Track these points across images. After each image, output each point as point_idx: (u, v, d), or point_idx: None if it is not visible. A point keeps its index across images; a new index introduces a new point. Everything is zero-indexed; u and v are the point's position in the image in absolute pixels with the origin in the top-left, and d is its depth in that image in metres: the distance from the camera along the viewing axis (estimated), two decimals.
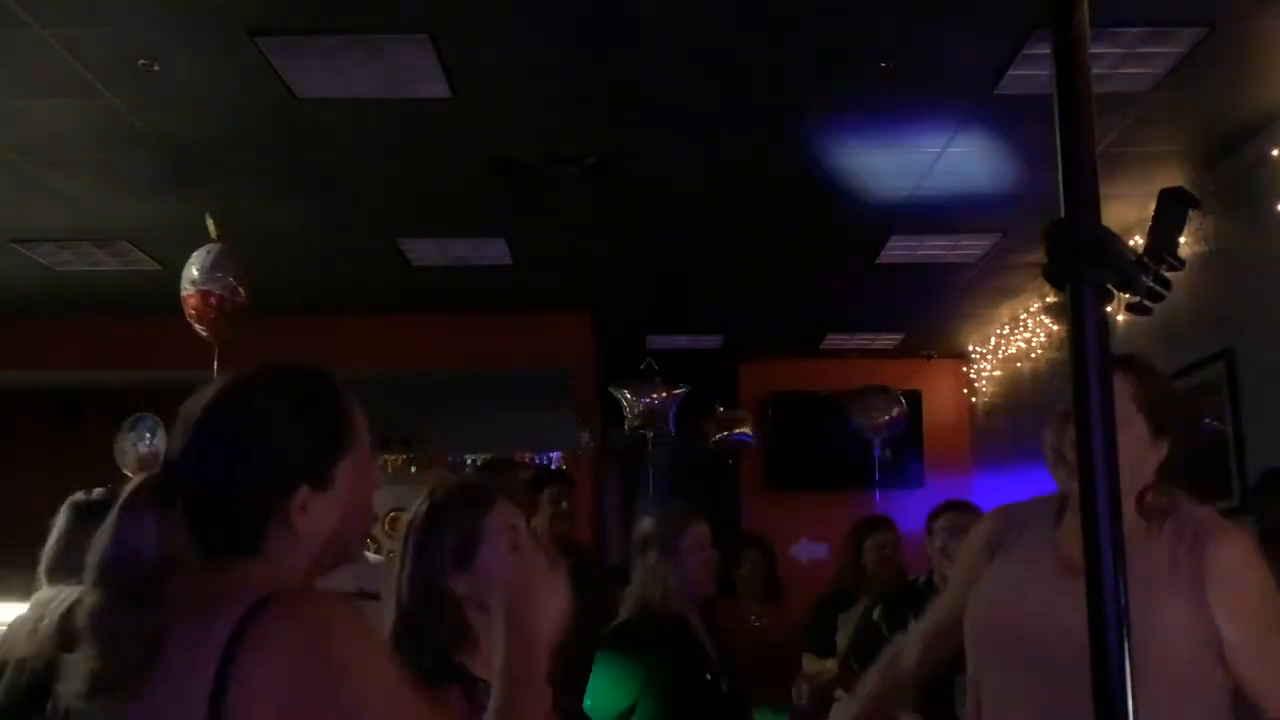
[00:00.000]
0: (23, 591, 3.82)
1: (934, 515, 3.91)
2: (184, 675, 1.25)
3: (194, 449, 1.37)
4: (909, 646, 2.35)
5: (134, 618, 1.27)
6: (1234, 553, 1.97)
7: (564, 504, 4.67)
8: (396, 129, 4.82)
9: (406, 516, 1.98)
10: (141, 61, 4.13)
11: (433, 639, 1.85)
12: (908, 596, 3.94)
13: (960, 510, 3.89)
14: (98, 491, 2.43)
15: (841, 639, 4.28)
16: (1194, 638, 1.93)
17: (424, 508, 1.95)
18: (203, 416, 1.39)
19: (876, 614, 3.96)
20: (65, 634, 1.39)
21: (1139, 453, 1.99)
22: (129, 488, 1.35)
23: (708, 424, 8.22)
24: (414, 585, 1.88)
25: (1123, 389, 2.03)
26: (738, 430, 8.28)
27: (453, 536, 1.89)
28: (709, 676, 3.09)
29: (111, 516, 1.32)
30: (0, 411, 8.51)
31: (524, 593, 1.62)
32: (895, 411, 7.89)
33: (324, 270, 6.79)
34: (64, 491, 2.49)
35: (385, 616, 1.91)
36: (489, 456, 7.46)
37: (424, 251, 6.49)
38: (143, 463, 5.61)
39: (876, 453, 7.81)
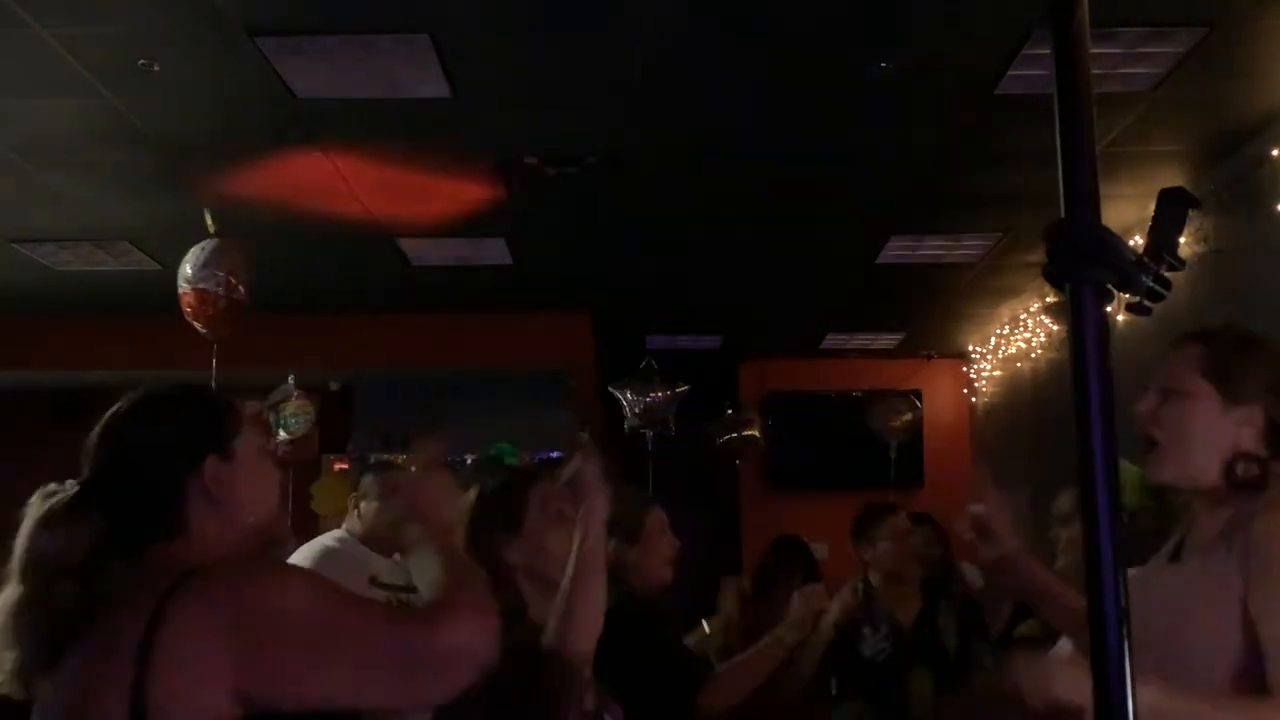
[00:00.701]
0: None
1: (878, 518, 3.93)
2: (105, 660, 1.33)
3: (99, 458, 1.51)
4: None
5: (46, 613, 1.38)
6: (1270, 526, 1.75)
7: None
8: (396, 129, 4.82)
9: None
10: (141, 61, 4.13)
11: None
12: (864, 603, 3.91)
13: (895, 513, 3.94)
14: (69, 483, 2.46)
15: None
16: (1229, 654, 1.73)
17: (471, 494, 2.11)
18: (101, 430, 1.54)
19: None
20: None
21: (1210, 422, 1.88)
22: (49, 504, 1.47)
23: (715, 424, 8.23)
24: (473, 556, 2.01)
25: (1187, 358, 2.00)
26: (745, 432, 8.29)
27: (500, 508, 2.08)
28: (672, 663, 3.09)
29: (26, 527, 1.44)
30: (0, 411, 8.51)
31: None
32: (912, 416, 7.96)
33: (324, 270, 6.79)
34: None
35: None
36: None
37: (424, 251, 6.49)
38: None
39: (893, 454, 7.85)
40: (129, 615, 1.34)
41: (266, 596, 1.37)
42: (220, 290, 4.43)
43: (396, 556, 3.78)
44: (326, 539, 4.00)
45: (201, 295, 4.42)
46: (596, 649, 2.20)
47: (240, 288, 4.48)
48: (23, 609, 1.38)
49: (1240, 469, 1.84)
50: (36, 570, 1.40)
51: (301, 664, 1.34)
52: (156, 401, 1.57)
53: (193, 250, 4.50)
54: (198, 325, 4.46)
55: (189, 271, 4.45)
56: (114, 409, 1.56)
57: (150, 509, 1.48)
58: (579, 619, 1.98)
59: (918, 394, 8.98)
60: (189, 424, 1.54)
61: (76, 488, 1.48)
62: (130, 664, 1.30)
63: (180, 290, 4.47)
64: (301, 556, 3.82)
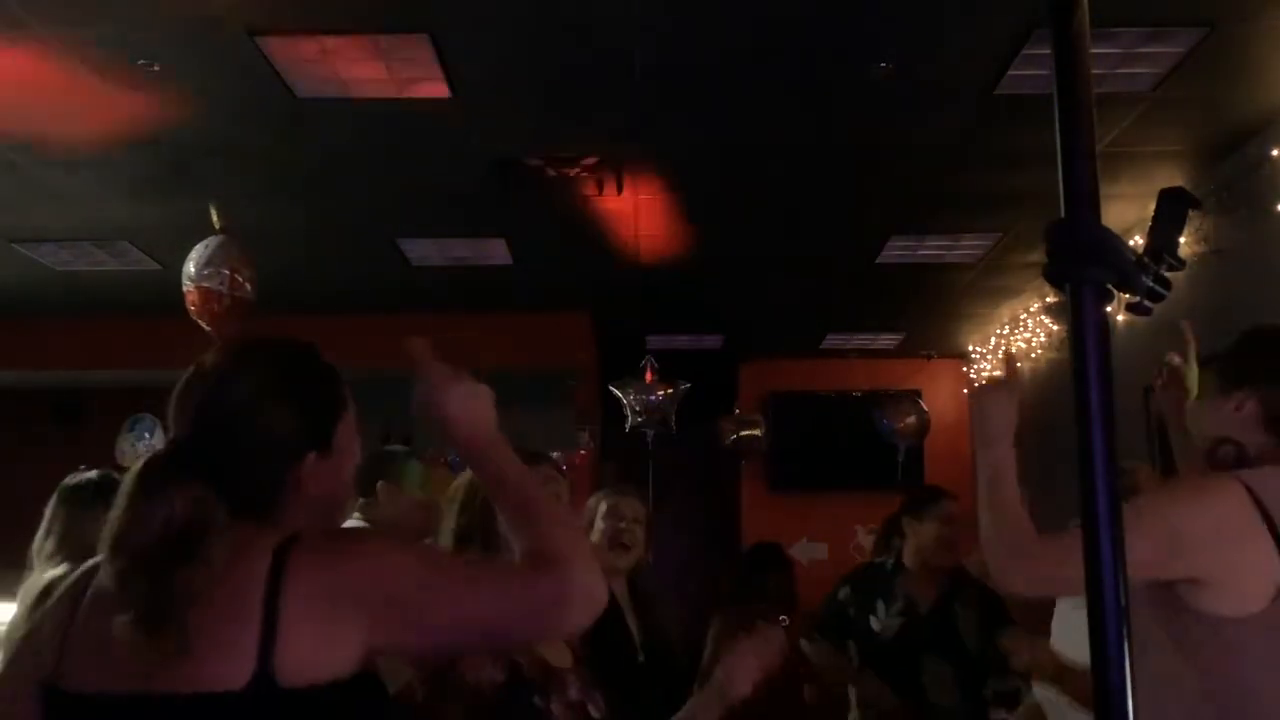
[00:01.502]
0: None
1: (930, 501, 3.97)
2: (225, 626, 1.33)
3: (204, 428, 1.45)
4: None
5: (164, 579, 1.33)
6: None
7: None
8: (396, 129, 4.82)
9: (461, 481, 2.19)
10: (141, 61, 4.13)
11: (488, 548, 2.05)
12: (875, 577, 4.01)
13: (954, 500, 3.96)
14: (94, 472, 2.48)
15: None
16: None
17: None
18: (207, 397, 1.47)
19: (843, 594, 4.03)
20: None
21: (1201, 408, 2.02)
22: (138, 465, 1.42)
23: (722, 424, 8.24)
24: (478, 530, 2.09)
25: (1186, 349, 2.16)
26: (751, 432, 8.30)
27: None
28: (626, 648, 3.08)
29: (129, 489, 1.39)
30: (0, 411, 8.52)
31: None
32: (920, 418, 7.98)
33: (324, 270, 6.79)
34: None
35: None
36: None
37: (424, 251, 6.49)
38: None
39: (900, 457, 7.87)
40: (243, 581, 1.34)
41: (380, 554, 1.40)
42: (224, 288, 4.39)
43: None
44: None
45: (205, 293, 4.39)
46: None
47: (246, 285, 4.45)
48: (132, 577, 1.35)
49: (1220, 451, 1.95)
50: (143, 535, 1.36)
51: (419, 616, 1.38)
52: (280, 379, 1.51)
53: (196, 247, 4.47)
54: (202, 323, 4.44)
55: (192, 269, 4.41)
56: (224, 368, 1.50)
57: (254, 490, 1.45)
58: None
59: (917, 394, 8.99)
60: (307, 414, 1.51)
61: (170, 445, 1.44)
62: (256, 627, 1.32)
63: (184, 288, 4.44)
64: None
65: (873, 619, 3.89)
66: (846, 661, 4.09)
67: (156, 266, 6.45)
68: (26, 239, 6.15)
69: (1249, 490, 1.81)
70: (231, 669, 1.31)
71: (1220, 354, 2.03)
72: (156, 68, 4.17)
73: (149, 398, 6.80)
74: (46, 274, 6.67)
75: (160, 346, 7.44)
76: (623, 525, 3.18)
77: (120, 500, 1.39)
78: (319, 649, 1.34)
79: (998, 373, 3.81)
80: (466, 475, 2.19)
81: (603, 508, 3.23)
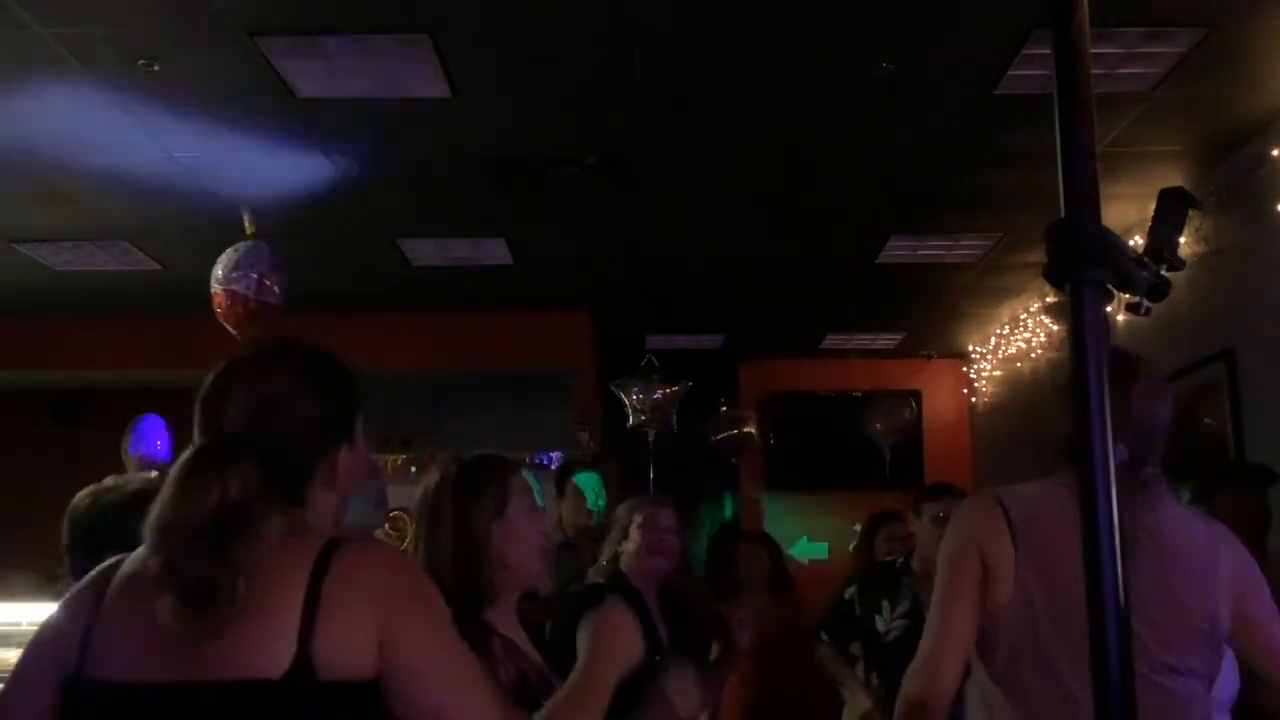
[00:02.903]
0: (24, 590, 3.82)
1: (930, 498, 3.96)
2: (273, 603, 1.36)
3: (252, 417, 1.50)
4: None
5: (221, 552, 1.37)
6: None
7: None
8: (396, 129, 4.82)
9: (431, 484, 2.19)
10: (141, 61, 4.13)
11: (476, 591, 2.05)
12: (883, 576, 3.99)
13: (956, 497, 3.92)
14: (109, 480, 2.47)
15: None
16: None
17: (455, 472, 2.18)
18: (255, 388, 1.52)
19: (849, 593, 4.02)
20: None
21: None
22: (192, 450, 1.47)
23: (710, 422, 8.22)
24: (460, 539, 2.09)
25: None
26: (742, 429, 8.28)
27: (491, 492, 2.14)
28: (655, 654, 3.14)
29: (179, 476, 1.43)
30: (0, 411, 8.51)
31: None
32: (904, 419, 7.97)
33: (324, 270, 6.79)
34: (64, 492, 2.48)
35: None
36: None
37: (424, 251, 6.49)
38: (141, 463, 5.59)
39: (887, 456, 7.86)
40: (290, 569, 1.38)
41: (426, 599, 1.49)
42: (251, 292, 4.45)
43: None
44: None
45: (232, 296, 4.45)
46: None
47: (275, 289, 4.51)
48: (180, 556, 1.37)
49: None
50: (198, 520, 1.39)
51: (406, 664, 1.42)
52: (316, 372, 1.59)
53: (227, 251, 4.54)
54: (228, 326, 4.48)
55: (220, 272, 4.48)
56: (265, 361, 1.56)
57: (293, 475, 1.50)
58: None
59: (917, 394, 8.99)
60: (341, 405, 1.58)
61: (218, 434, 1.49)
62: (297, 614, 1.35)
63: (212, 290, 4.50)
64: None
65: (878, 619, 3.87)
66: (848, 670, 4.10)
67: (156, 266, 6.45)
68: (26, 239, 6.15)
69: (999, 501, 2.06)
70: (270, 656, 1.34)
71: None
72: (156, 68, 4.18)
73: (149, 398, 6.81)
74: (46, 274, 6.66)
75: (160, 346, 7.47)
76: (661, 535, 3.29)
77: (169, 488, 1.43)
78: (353, 645, 1.37)
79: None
80: None
81: (638, 518, 3.31)
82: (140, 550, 1.46)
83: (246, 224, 4.57)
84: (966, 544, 2.05)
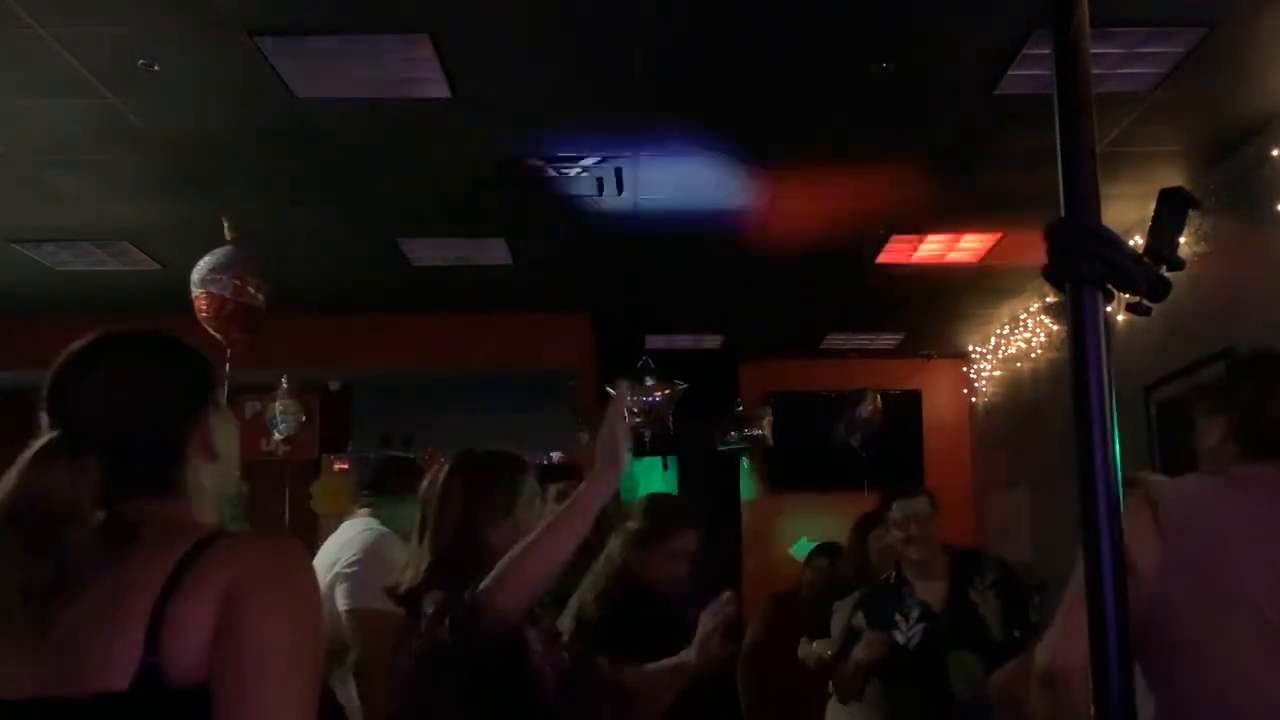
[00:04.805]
0: None
1: (884, 506, 3.97)
2: (116, 608, 1.27)
3: (97, 400, 1.44)
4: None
5: (40, 561, 1.28)
6: None
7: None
8: (396, 129, 4.82)
9: (443, 472, 2.20)
10: (141, 61, 4.13)
11: (469, 580, 2.05)
12: (885, 595, 3.96)
13: (910, 496, 3.93)
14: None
15: (835, 623, 4.32)
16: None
17: (469, 464, 2.19)
18: (96, 371, 1.48)
19: (856, 619, 3.98)
20: None
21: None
22: (37, 444, 1.40)
23: (724, 422, 8.21)
24: (459, 533, 2.11)
25: None
26: (755, 431, 8.28)
27: (502, 492, 2.16)
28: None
29: (20, 466, 1.36)
30: (0, 411, 8.51)
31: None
32: (872, 412, 7.88)
33: (324, 270, 6.79)
34: None
35: (419, 559, 2.16)
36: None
37: (424, 251, 6.49)
38: None
39: (865, 455, 7.82)
40: (150, 570, 1.29)
41: (284, 563, 1.35)
42: (229, 294, 4.47)
43: None
44: (370, 523, 3.87)
45: (212, 298, 4.48)
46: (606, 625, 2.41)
47: (257, 294, 4.54)
48: (8, 557, 1.29)
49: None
50: (27, 514, 1.31)
51: (247, 668, 1.27)
52: (155, 347, 1.54)
53: (206, 255, 4.58)
54: (210, 329, 4.50)
55: (198, 275, 4.53)
56: (98, 353, 1.51)
57: (153, 464, 1.42)
58: (517, 574, 2.01)
59: (917, 394, 8.99)
60: (195, 373, 1.52)
61: (58, 432, 1.41)
62: (145, 618, 1.26)
63: (193, 294, 4.54)
64: (361, 541, 3.77)
65: (897, 634, 3.85)
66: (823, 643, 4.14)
67: (156, 266, 6.45)
68: (26, 239, 6.15)
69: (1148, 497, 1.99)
70: (116, 665, 1.24)
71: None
72: (156, 68, 4.18)
73: None
74: (46, 274, 6.66)
75: None
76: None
77: (8, 479, 1.35)
78: (202, 640, 1.26)
79: None
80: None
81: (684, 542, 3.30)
82: None
83: (226, 230, 4.61)
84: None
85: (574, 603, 3.16)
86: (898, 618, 3.84)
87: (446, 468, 2.19)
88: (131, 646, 1.24)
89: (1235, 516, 1.96)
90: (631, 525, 3.35)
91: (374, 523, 3.84)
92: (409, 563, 2.22)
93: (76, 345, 1.54)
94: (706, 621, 2.92)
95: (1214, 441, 2.10)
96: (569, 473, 4.91)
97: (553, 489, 4.64)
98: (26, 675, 1.27)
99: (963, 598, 3.80)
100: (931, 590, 3.85)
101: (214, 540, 1.32)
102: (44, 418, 1.49)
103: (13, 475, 1.36)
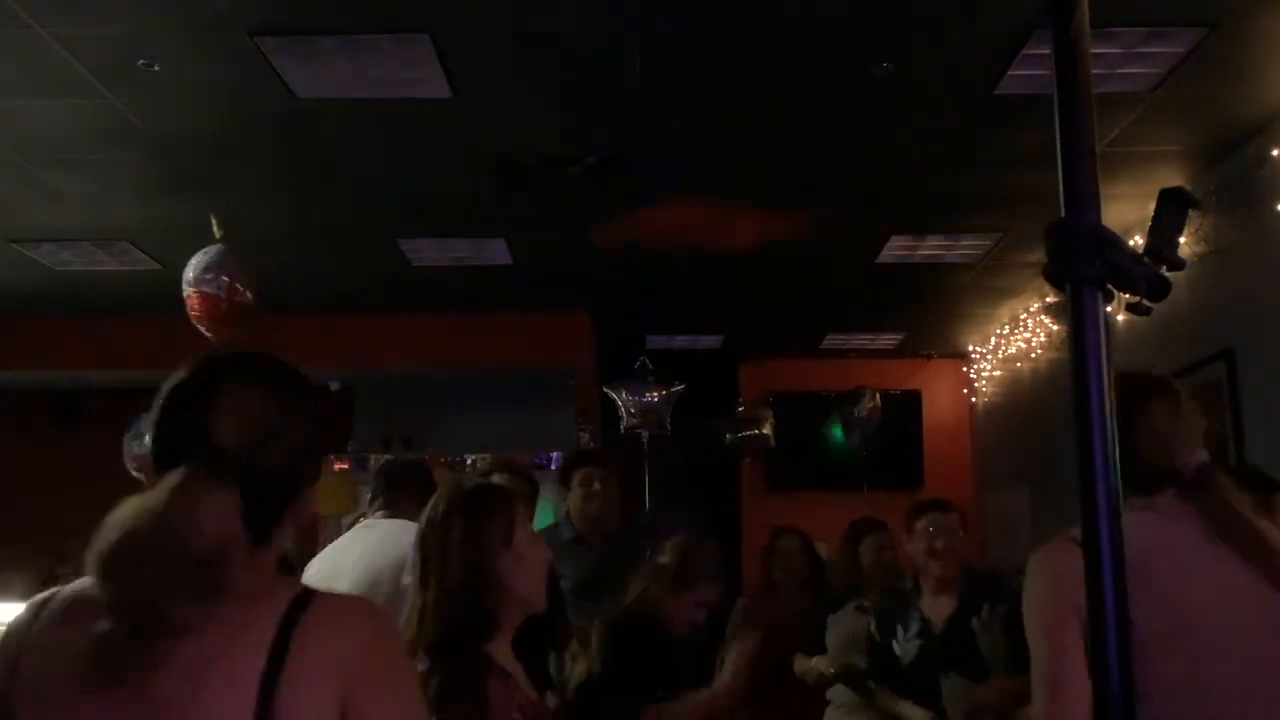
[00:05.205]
0: (24, 590, 3.83)
1: (915, 516, 3.92)
2: (230, 658, 1.25)
3: (252, 436, 1.34)
4: None
5: (171, 598, 1.23)
6: None
7: (595, 485, 4.59)
8: (396, 129, 4.82)
9: (438, 513, 2.15)
10: (141, 61, 4.13)
11: (484, 621, 2.04)
12: (895, 603, 3.94)
13: (944, 511, 3.88)
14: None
15: (830, 638, 4.30)
16: None
17: (462, 502, 2.16)
18: (244, 404, 1.35)
19: (873, 626, 3.97)
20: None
21: None
22: (184, 472, 1.29)
23: (726, 422, 8.21)
24: (469, 568, 2.07)
25: None
26: (758, 430, 8.27)
27: (499, 521, 2.13)
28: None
29: (161, 498, 1.27)
30: (0, 411, 8.51)
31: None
32: (870, 411, 7.88)
33: (324, 270, 6.79)
34: (64, 491, 2.49)
35: (425, 600, 2.09)
36: (487, 456, 7.43)
37: (424, 251, 6.49)
38: (139, 462, 5.60)
39: (863, 454, 7.82)
40: (252, 624, 1.26)
41: (389, 645, 1.38)
42: (222, 293, 4.47)
43: None
44: (406, 525, 3.86)
45: (204, 298, 4.48)
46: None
47: (246, 292, 4.53)
48: (148, 588, 1.23)
49: None
50: (179, 551, 1.23)
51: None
52: (306, 394, 1.42)
53: (196, 255, 4.57)
54: (202, 328, 4.51)
55: (190, 275, 4.52)
56: (254, 373, 1.39)
57: (267, 513, 1.34)
58: None
59: (917, 394, 8.98)
60: (315, 440, 1.43)
61: (206, 462, 1.30)
62: (256, 682, 1.23)
63: (184, 293, 4.54)
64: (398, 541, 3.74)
65: (895, 644, 3.83)
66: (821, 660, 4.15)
67: (156, 266, 6.45)
68: (26, 239, 6.15)
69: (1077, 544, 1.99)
70: (234, 703, 1.23)
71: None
72: (156, 68, 4.18)
73: (149, 398, 6.80)
74: (46, 274, 6.67)
75: (160, 346, 7.43)
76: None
77: (141, 511, 1.27)
78: (310, 697, 1.26)
79: None
80: None
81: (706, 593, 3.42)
82: (81, 584, 1.30)
83: (215, 227, 4.60)
84: (1059, 603, 1.88)
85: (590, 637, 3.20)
86: (899, 628, 3.82)
87: (442, 506, 2.15)
88: (243, 707, 1.23)
89: (1163, 544, 1.91)
90: (663, 561, 3.39)
91: (409, 524, 3.83)
92: (418, 606, 2.12)
93: (222, 355, 1.43)
94: (735, 658, 2.97)
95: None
96: (596, 459, 4.90)
97: (578, 474, 4.64)
98: None
99: (964, 623, 3.74)
100: (940, 607, 3.79)
101: (313, 596, 1.30)
102: (146, 439, 1.38)
103: (152, 501, 1.27)
